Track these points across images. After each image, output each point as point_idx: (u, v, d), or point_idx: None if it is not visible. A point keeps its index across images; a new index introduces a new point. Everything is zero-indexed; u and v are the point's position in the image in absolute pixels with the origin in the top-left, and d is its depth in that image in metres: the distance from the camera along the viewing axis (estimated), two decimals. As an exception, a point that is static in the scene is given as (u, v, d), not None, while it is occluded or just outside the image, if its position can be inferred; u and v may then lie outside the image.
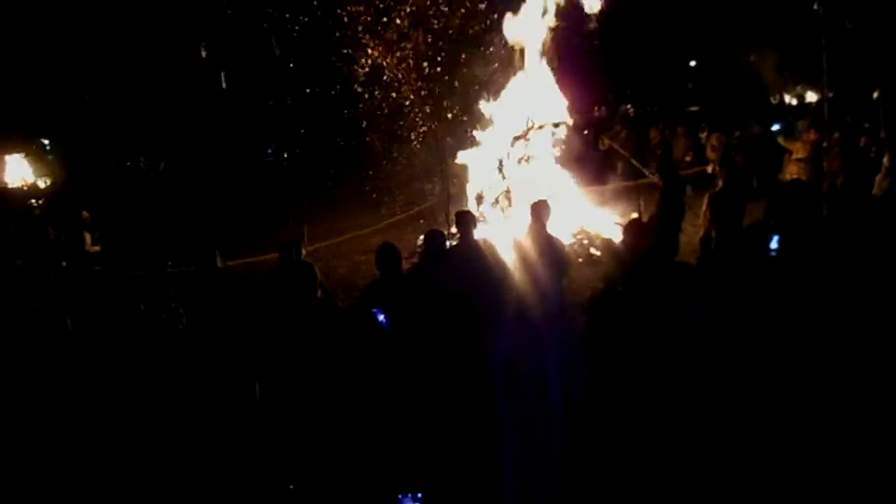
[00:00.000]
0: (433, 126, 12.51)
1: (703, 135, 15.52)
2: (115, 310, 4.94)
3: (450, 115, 12.30)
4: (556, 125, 10.88)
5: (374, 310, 5.04)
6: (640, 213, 9.16)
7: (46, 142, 19.50)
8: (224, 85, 15.72)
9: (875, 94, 12.51)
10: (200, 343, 4.79)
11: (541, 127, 10.82)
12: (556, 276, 5.56)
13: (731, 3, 20.02)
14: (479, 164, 11.20)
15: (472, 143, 11.46)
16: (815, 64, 10.14)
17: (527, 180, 10.71)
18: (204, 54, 15.93)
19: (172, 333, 4.86)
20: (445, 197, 10.74)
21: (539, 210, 5.96)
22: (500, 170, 10.88)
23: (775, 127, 15.46)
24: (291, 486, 4.45)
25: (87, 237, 7.43)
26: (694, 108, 22.40)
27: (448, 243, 9.62)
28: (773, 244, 5.00)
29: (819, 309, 4.39)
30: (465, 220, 6.23)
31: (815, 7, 9.22)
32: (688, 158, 15.10)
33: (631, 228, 6.35)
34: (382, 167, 14.17)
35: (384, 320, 5.06)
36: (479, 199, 11.03)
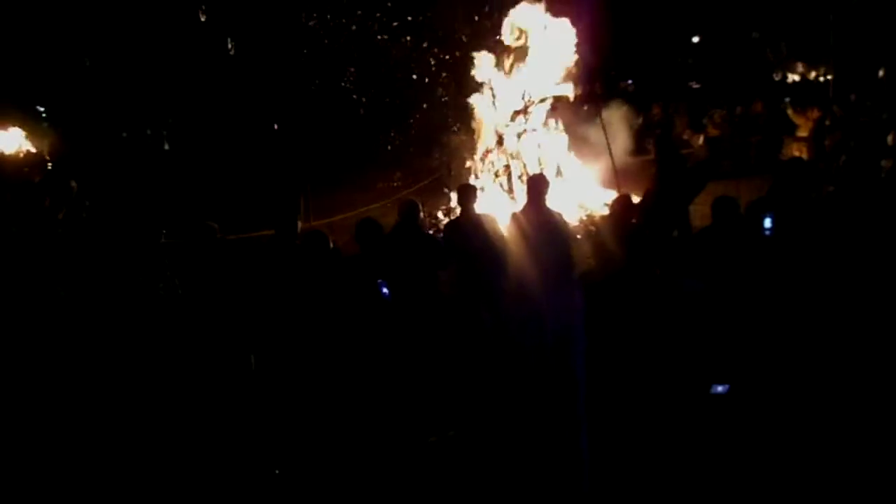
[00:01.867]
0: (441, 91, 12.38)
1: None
2: (112, 279, 4.90)
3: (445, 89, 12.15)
4: (557, 99, 10.75)
5: (379, 282, 5.07)
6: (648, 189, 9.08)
7: (42, 109, 19.23)
8: (231, 52, 15.46)
9: (880, 73, 12.38)
10: (197, 314, 4.77)
11: (542, 101, 10.70)
12: (557, 251, 5.53)
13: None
14: (481, 138, 11.11)
15: (473, 117, 11.33)
16: (822, 41, 10.03)
17: (527, 155, 10.62)
18: (203, 18, 15.65)
19: (169, 304, 4.83)
20: (447, 171, 10.66)
21: (536, 184, 5.91)
22: (500, 144, 10.79)
23: (787, 99, 15.32)
24: (277, 471, 4.44)
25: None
26: (696, 85, 22.18)
27: (448, 217, 9.67)
28: (767, 223, 4.99)
29: (812, 286, 4.38)
30: (467, 194, 6.20)
31: None
32: (685, 137, 14.96)
33: (617, 203, 6.35)
34: (386, 140, 14.07)
35: (387, 293, 5.09)
36: (478, 174, 10.97)
